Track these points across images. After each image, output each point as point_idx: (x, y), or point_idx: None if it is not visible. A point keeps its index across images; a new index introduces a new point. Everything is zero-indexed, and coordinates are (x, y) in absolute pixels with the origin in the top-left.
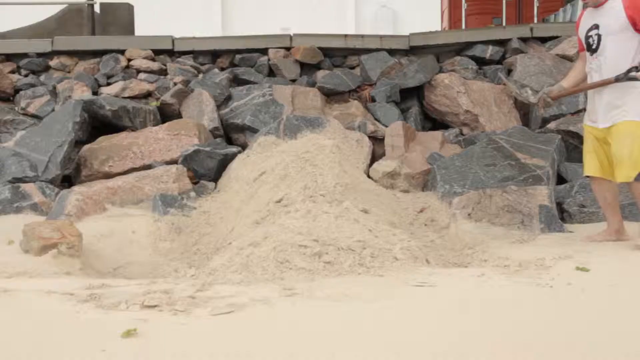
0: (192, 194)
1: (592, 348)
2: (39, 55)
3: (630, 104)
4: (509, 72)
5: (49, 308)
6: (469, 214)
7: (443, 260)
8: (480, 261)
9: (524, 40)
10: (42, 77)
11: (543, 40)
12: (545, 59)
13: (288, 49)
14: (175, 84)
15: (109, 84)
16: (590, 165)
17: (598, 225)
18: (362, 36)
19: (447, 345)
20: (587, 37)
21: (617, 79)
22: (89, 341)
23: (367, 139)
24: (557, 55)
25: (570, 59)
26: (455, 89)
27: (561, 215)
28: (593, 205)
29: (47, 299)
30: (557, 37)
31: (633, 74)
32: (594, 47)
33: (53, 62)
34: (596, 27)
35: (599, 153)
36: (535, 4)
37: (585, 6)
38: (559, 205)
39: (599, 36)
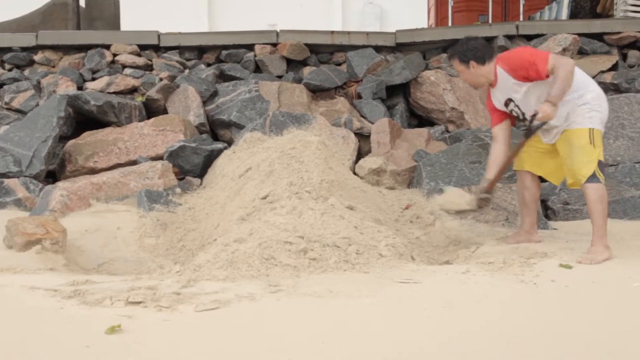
0: (178, 190)
1: (576, 343)
2: (23, 49)
3: (572, 117)
4: None
5: (33, 304)
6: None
7: (428, 257)
8: (464, 258)
9: (509, 37)
10: (27, 72)
11: (529, 37)
12: None
13: (274, 45)
14: (161, 79)
15: (94, 79)
16: (519, 160)
17: (582, 223)
18: (349, 33)
19: (431, 341)
20: (511, 112)
21: (527, 134)
22: (72, 337)
23: (353, 135)
24: None
25: None
26: (441, 86)
27: (545, 212)
28: (577, 203)
29: (31, 295)
30: (542, 34)
31: (535, 123)
32: (522, 117)
33: (37, 57)
34: (510, 100)
35: (537, 149)
36: (521, 2)
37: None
38: (544, 202)
39: (518, 107)
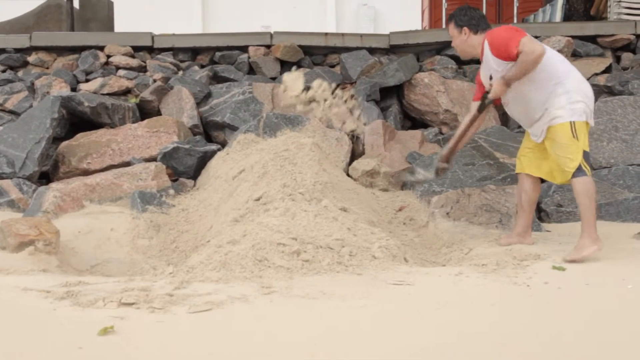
0: (171, 191)
1: (569, 346)
2: (17, 50)
3: (553, 110)
4: None
5: (26, 305)
6: (447, 213)
7: (421, 259)
8: (458, 260)
9: None
10: (20, 73)
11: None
12: None
13: (268, 46)
14: (154, 80)
15: (87, 81)
16: (519, 163)
17: (575, 225)
18: (343, 35)
19: (425, 343)
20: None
21: (479, 108)
22: (65, 339)
23: (346, 137)
24: None
25: None
26: (435, 88)
27: (539, 214)
28: (570, 205)
29: (24, 296)
30: (536, 37)
31: (487, 99)
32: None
33: (31, 58)
34: (491, 77)
35: (534, 151)
36: (515, 4)
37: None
38: (537, 204)
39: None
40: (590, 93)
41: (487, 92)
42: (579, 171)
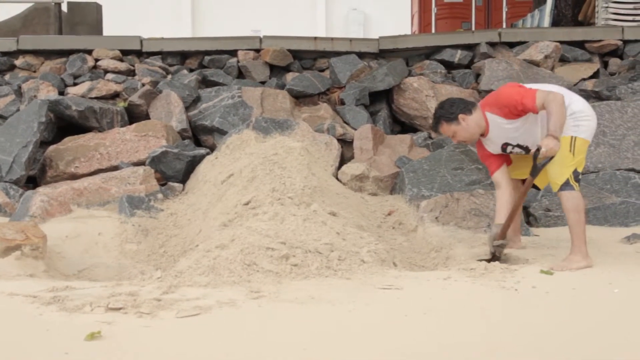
0: (160, 195)
1: (556, 349)
2: (4, 54)
3: None
4: (477, 76)
5: (12, 310)
6: (436, 217)
7: (410, 263)
8: (446, 263)
9: (492, 45)
10: (7, 77)
11: (511, 45)
12: (513, 63)
13: (257, 50)
14: (143, 84)
15: (75, 84)
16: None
17: (563, 230)
18: (332, 39)
19: (413, 347)
20: (511, 153)
21: (533, 173)
22: (52, 344)
23: (335, 141)
24: (525, 60)
25: (537, 64)
26: (424, 92)
27: (527, 219)
28: (558, 210)
29: (10, 301)
30: (524, 42)
31: (540, 161)
32: (526, 152)
33: (18, 62)
34: (507, 144)
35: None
36: (504, 10)
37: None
38: (525, 209)
39: (518, 144)
40: (593, 114)
41: (536, 153)
42: (566, 185)
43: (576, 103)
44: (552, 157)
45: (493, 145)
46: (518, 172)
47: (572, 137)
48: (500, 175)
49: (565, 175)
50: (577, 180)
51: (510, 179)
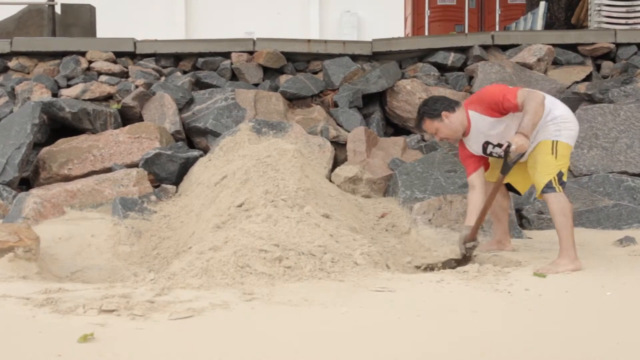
0: (153, 197)
1: (549, 352)
2: None
3: (540, 133)
4: (470, 78)
5: (4, 312)
6: (429, 220)
7: (403, 265)
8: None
9: (485, 47)
10: (1, 79)
11: (504, 48)
12: (506, 66)
13: (251, 53)
14: (136, 86)
15: (69, 86)
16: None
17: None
18: (325, 41)
19: (406, 350)
20: (491, 155)
21: (504, 171)
22: (44, 346)
23: (329, 144)
24: (517, 63)
25: (530, 67)
26: (417, 95)
27: (520, 221)
28: None
29: (3, 303)
30: (517, 45)
31: (510, 158)
32: (503, 154)
33: (12, 63)
34: (488, 143)
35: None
36: (497, 12)
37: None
38: (518, 211)
39: (498, 143)
40: (574, 120)
41: (507, 150)
42: (548, 187)
43: (559, 108)
44: (522, 155)
45: (474, 145)
46: (493, 173)
47: (553, 141)
48: (475, 178)
49: (547, 177)
50: (560, 182)
51: (484, 183)
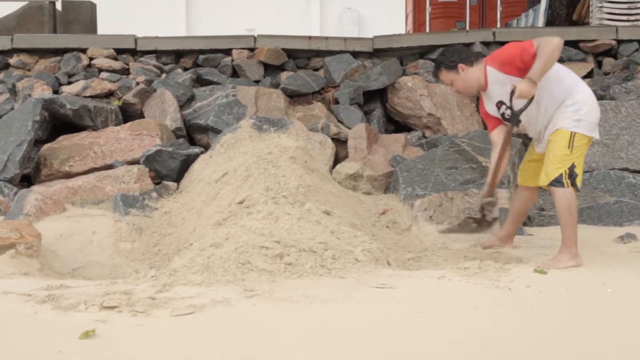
0: (154, 194)
1: (550, 349)
2: None
3: (558, 120)
4: None
5: (6, 309)
6: (430, 217)
7: (404, 262)
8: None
9: (486, 44)
10: (2, 75)
11: (505, 44)
12: None
13: (252, 49)
14: (137, 83)
15: (70, 83)
16: (519, 175)
17: (557, 229)
18: (326, 38)
19: (407, 346)
20: (503, 115)
21: (512, 120)
22: (46, 342)
23: (330, 140)
24: None
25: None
26: (418, 92)
27: None
28: (552, 209)
29: (4, 300)
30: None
31: (517, 106)
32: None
33: (13, 60)
34: (502, 102)
35: (537, 162)
36: (499, 9)
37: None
38: None
39: (511, 107)
40: (595, 105)
41: (511, 96)
42: (557, 181)
43: (580, 91)
44: (530, 100)
45: (490, 103)
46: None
47: (571, 132)
48: (496, 135)
49: (559, 170)
50: (571, 178)
51: (506, 138)
